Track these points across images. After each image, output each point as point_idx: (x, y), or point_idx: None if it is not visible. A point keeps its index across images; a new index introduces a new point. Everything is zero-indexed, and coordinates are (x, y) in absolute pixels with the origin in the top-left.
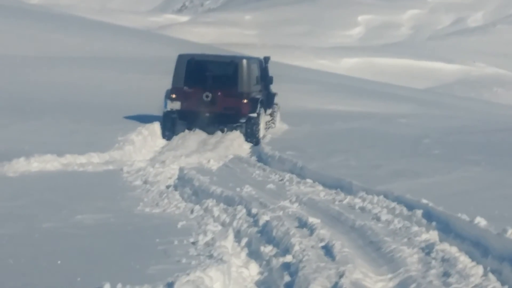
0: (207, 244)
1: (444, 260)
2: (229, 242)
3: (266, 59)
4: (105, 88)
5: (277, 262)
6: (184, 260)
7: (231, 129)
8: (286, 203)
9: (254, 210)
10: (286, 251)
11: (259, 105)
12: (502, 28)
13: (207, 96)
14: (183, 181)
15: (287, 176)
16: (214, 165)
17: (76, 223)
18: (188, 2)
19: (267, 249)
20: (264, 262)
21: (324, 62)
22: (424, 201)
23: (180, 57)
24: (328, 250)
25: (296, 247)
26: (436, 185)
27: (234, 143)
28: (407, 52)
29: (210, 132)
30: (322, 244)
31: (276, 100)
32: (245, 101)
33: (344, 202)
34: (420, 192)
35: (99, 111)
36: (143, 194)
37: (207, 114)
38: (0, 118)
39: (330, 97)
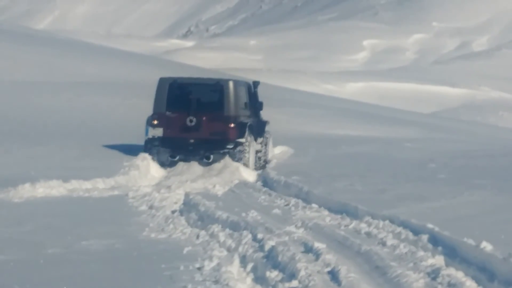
0: (213, 270)
1: (450, 285)
2: (235, 267)
3: (256, 83)
4: (110, 114)
5: (283, 287)
6: (190, 286)
7: (218, 156)
8: (291, 228)
9: (260, 235)
10: (292, 276)
11: (247, 130)
12: (507, 52)
13: (191, 121)
14: (188, 206)
15: (293, 201)
16: (219, 190)
17: (82, 248)
18: (193, 27)
19: (273, 274)
20: None
21: (329, 87)
22: (430, 225)
23: (161, 81)
24: (334, 275)
25: (302, 272)
26: (441, 209)
27: (240, 168)
28: (412, 76)
29: (195, 160)
30: (328, 269)
31: (269, 128)
32: (232, 125)
33: (350, 227)
34: (425, 217)
35: (104, 137)
36: (149, 219)
37: (192, 141)
38: (6, 144)
39: (335, 121)
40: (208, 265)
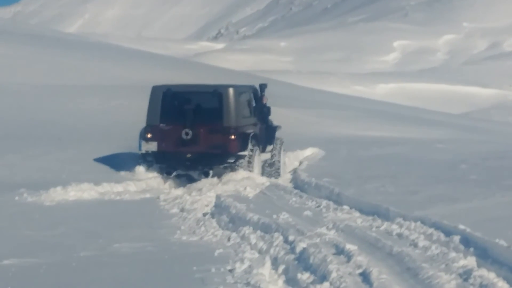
0: (244, 272)
1: (482, 286)
2: (266, 269)
3: (263, 87)
4: (141, 117)
5: None
6: None
7: (218, 172)
8: (323, 230)
9: (291, 237)
10: (324, 278)
11: (250, 142)
12: None
13: (186, 134)
14: (220, 208)
15: (324, 202)
16: (250, 192)
17: (113, 251)
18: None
19: (304, 276)
20: None
21: (359, 88)
22: (462, 226)
23: (154, 89)
24: (365, 277)
25: (334, 274)
26: (473, 210)
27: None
28: (443, 77)
29: (193, 176)
30: (360, 271)
31: (280, 134)
32: (233, 137)
33: (381, 228)
34: (457, 218)
35: (136, 140)
36: (180, 222)
37: (189, 155)
38: (38, 148)
39: (366, 123)
40: (240, 267)
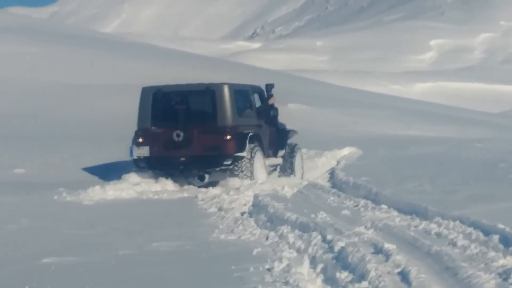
0: (282, 271)
1: None
2: (304, 268)
3: (269, 87)
4: None
5: None
6: (260, 287)
7: (215, 175)
8: (361, 229)
9: (329, 236)
10: (362, 277)
11: (249, 142)
12: None
13: (178, 136)
14: (258, 207)
15: (362, 202)
16: (288, 191)
17: (152, 250)
18: (260, 29)
19: (343, 275)
20: None
21: (396, 87)
22: (501, 226)
23: (144, 91)
24: (404, 276)
25: (372, 273)
26: None
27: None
28: (481, 76)
29: (188, 180)
30: (398, 270)
31: (296, 139)
32: (228, 137)
33: (420, 227)
34: (496, 217)
35: None
36: (218, 221)
37: (182, 159)
38: (76, 148)
39: (403, 122)
40: (278, 267)
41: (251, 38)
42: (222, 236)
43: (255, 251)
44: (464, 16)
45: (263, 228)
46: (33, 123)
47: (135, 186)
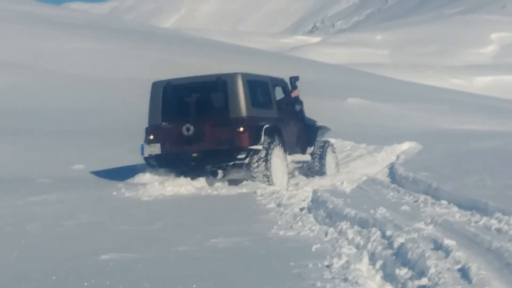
0: (341, 267)
1: None
2: (364, 265)
3: (293, 79)
4: None
5: (412, 285)
6: (319, 284)
7: (229, 171)
8: (421, 225)
9: (388, 232)
10: (422, 273)
11: (265, 134)
12: None
13: (188, 130)
14: (317, 203)
15: (422, 197)
16: (347, 187)
17: (211, 246)
18: (319, 23)
19: (402, 272)
20: (400, 285)
21: (457, 81)
22: None
23: (154, 86)
24: (464, 273)
25: (432, 270)
26: None
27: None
28: None
29: (201, 176)
30: (458, 266)
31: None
32: (241, 129)
33: (480, 223)
34: None
35: None
36: (277, 217)
37: (194, 154)
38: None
39: (464, 116)
40: (337, 263)
41: (311, 32)
42: (281, 232)
43: (314, 247)
44: None
45: (322, 224)
46: (94, 119)
47: (193, 182)
